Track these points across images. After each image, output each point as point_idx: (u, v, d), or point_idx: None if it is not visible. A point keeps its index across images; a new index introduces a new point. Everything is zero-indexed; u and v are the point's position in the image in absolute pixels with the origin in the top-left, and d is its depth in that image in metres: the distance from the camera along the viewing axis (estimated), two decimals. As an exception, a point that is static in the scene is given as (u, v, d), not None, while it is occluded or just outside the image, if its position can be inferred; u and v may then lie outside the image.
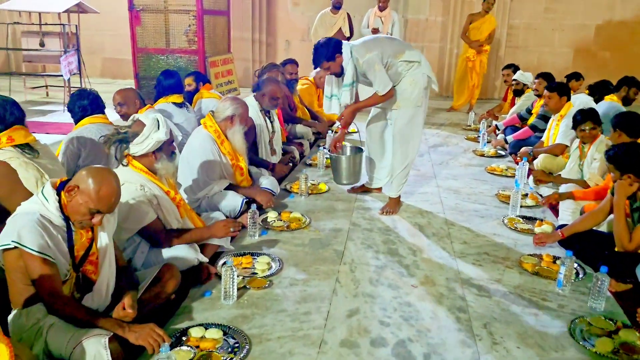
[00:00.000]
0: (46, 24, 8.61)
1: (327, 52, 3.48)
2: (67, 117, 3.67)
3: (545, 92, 4.81)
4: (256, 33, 10.26)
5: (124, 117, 3.99)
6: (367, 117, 4.05)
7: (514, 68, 6.77)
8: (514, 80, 6.33)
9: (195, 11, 6.98)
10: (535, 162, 4.72)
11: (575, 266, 2.89)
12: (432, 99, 10.34)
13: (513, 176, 4.75)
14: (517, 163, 5.20)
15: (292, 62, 5.88)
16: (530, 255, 3.14)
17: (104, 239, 2.17)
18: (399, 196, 3.89)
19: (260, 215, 3.59)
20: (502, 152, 5.62)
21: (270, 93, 4.27)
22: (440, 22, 9.73)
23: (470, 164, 5.25)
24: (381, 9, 7.71)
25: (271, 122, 4.43)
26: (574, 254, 2.80)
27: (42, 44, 8.21)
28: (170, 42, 7.35)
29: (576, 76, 6.29)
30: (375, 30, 7.66)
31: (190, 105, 5.02)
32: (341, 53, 3.50)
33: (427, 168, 5.05)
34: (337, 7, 7.80)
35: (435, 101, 9.34)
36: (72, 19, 8.46)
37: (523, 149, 5.05)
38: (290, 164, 4.78)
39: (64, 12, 7.98)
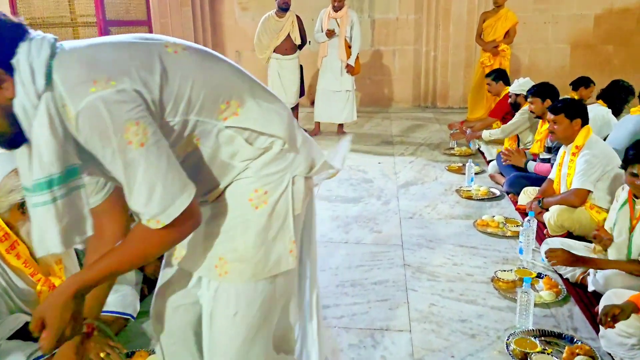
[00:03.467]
0: None
1: None
2: None
3: (549, 115, 3.34)
4: (200, 44, 8.81)
5: None
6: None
7: (495, 75, 5.28)
8: (510, 94, 4.79)
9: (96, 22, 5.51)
10: (546, 216, 3.24)
11: None
12: (408, 110, 8.92)
13: (514, 236, 3.29)
14: (518, 210, 3.75)
15: None
16: None
17: None
18: None
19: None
20: (496, 192, 4.14)
21: None
22: (413, 21, 8.33)
23: (453, 214, 3.77)
24: (336, 9, 6.23)
25: None
26: None
27: None
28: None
29: (585, 82, 4.81)
30: (330, 33, 6.18)
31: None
32: (10, 71, 1.03)
33: (392, 227, 3.56)
34: (283, 9, 6.33)
35: (412, 113, 7.90)
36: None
37: (529, 200, 3.56)
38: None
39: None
